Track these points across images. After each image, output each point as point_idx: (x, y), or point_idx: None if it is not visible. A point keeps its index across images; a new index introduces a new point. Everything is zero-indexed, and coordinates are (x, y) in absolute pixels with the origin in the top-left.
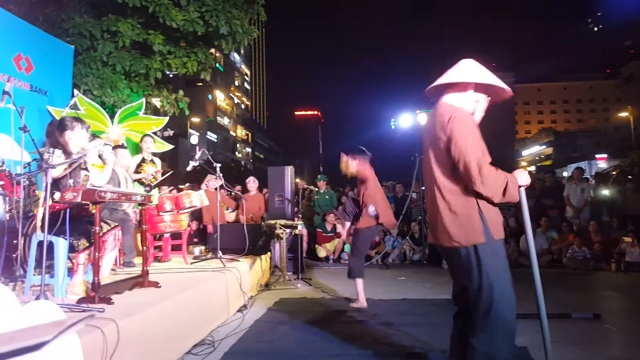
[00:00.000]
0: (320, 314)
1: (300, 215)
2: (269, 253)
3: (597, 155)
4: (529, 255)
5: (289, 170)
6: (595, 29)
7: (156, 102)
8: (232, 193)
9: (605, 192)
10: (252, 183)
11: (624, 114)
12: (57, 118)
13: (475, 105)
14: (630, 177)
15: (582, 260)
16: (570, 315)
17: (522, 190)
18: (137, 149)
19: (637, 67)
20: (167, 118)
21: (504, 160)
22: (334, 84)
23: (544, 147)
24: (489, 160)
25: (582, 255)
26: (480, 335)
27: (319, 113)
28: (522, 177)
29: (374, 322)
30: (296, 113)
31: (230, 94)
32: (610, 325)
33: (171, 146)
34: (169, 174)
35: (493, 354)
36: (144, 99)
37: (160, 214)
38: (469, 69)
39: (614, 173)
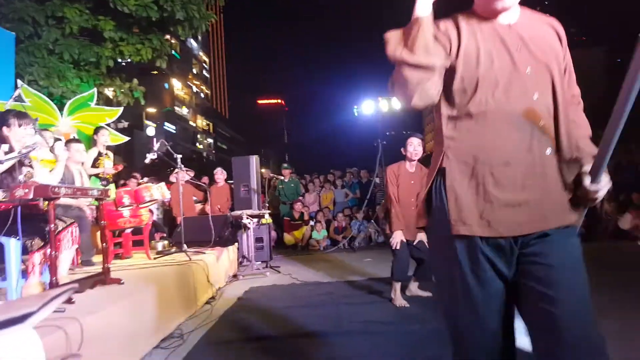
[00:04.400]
0: (291, 299)
1: (267, 205)
2: (236, 244)
3: None
4: None
5: (254, 159)
6: None
7: (109, 92)
8: (199, 186)
9: None
10: (219, 174)
11: None
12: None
13: None
14: None
15: None
16: None
17: None
18: (89, 142)
19: (579, 53)
20: (121, 109)
21: None
22: (297, 71)
23: None
24: None
25: None
26: None
27: (283, 101)
28: None
29: (344, 302)
30: (259, 102)
31: (189, 83)
32: None
33: (127, 138)
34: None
35: None
36: (95, 89)
37: (119, 209)
38: None
39: None
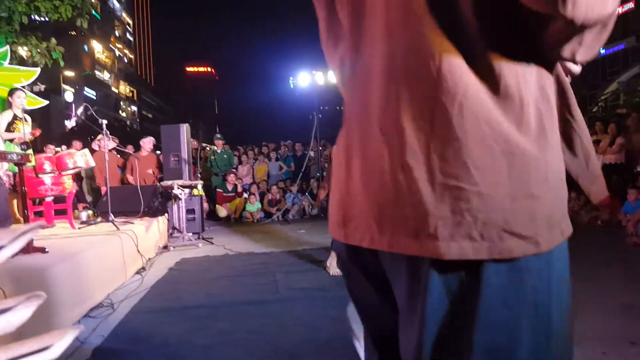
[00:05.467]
0: (225, 269)
1: (199, 176)
2: (166, 215)
3: None
4: None
5: (185, 128)
6: None
7: (23, 51)
8: (125, 153)
9: None
10: (148, 143)
11: None
12: None
13: None
14: None
15: None
16: None
17: None
18: (3, 104)
19: None
20: (39, 69)
21: None
22: (230, 39)
23: None
24: None
25: None
26: None
27: (213, 70)
28: None
29: (279, 270)
30: (188, 69)
31: (111, 46)
32: None
33: (45, 102)
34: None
35: None
36: (8, 47)
37: (40, 175)
38: None
39: None
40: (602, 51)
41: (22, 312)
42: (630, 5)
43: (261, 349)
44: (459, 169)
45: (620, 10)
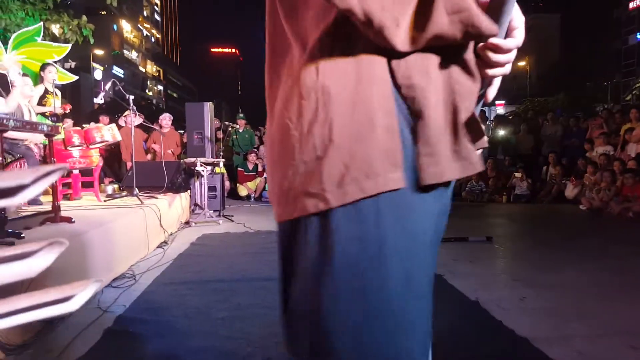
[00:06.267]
0: (245, 245)
1: (221, 154)
2: (188, 191)
3: (496, 102)
4: None
5: (209, 106)
6: None
7: (55, 29)
8: (151, 129)
9: (502, 133)
10: (167, 120)
11: (522, 64)
12: None
13: None
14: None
15: (479, 193)
16: (467, 239)
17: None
18: (36, 78)
19: (537, 19)
20: (70, 45)
21: None
22: (254, 20)
23: None
24: None
25: (478, 189)
26: None
27: (237, 51)
28: None
29: None
30: (212, 50)
31: (139, 25)
32: (499, 246)
33: (75, 77)
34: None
35: None
36: (41, 23)
37: (69, 148)
38: None
39: (510, 117)
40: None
41: (43, 258)
42: None
43: (277, 324)
44: (269, 149)
45: None
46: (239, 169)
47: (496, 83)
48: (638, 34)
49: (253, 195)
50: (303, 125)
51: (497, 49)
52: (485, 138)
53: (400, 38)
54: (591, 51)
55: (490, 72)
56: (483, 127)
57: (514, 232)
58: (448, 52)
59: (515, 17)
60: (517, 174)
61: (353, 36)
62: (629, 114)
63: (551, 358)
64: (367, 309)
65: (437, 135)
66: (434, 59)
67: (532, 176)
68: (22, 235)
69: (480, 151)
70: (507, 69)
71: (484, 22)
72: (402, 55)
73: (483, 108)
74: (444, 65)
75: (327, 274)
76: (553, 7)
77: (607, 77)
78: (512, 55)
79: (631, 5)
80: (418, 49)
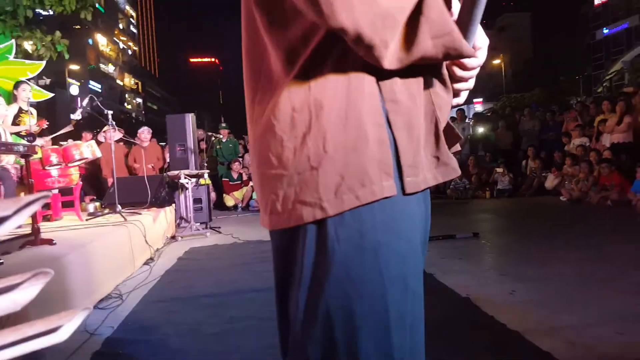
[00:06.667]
0: (234, 257)
1: (206, 165)
2: (173, 205)
3: (474, 100)
4: None
5: (190, 117)
6: None
7: (28, 46)
8: (131, 143)
9: (481, 130)
10: (146, 133)
11: (497, 62)
12: None
13: None
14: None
15: (463, 190)
16: (455, 236)
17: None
18: (9, 97)
19: (509, 19)
20: (44, 62)
21: None
22: (234, 28)
23: None
24: None
25: (462, 186)
26: None
27: (217, 60)
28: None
29: None
30: (191, 60)
31: (115, 39)
32: (486, 241)
33: (50, 94)
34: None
35: None
36: (13, 41)
37: (46, 168)
38: None
39: (488, 114)
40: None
41: (28, 291)
42: None
43: (273, 335)
44: (256, 159)
45: None
46: (223, 179)
47: (463, 95)
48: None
49: (240, 204)
50: (297, 137)
51: (463, 66)
52: (460, 142)
53: (387, 58)
54: (562, 47)
55: (456, 86)
56: (458, 132)
57: (499, 227)
58: (429, 68)
59: (479, 38)
60: (498, 170)
61: (343, 53)
62: (601, 106)
63: (543, 349)
64: (367, 313)
65: (418, 146)
66: (417, 75)
67: (513, 171)
68: (1, 261)
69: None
70: (470, 84)
71: (465, 45)
72: (388, 72)
73: (462, 107)
74: (425, 80)
75: (326, 282)
76: (523, 6)
77: (579, 71)
78: (474, 72)
79: (596, 1)
80: (402, 71)
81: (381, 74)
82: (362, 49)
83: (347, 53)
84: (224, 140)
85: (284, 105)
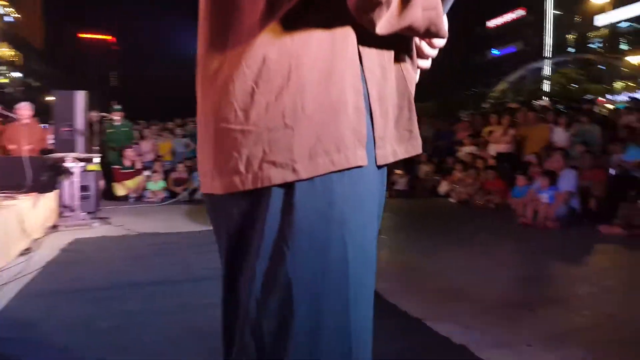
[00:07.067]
0: (127, 250)
1: (98, 149)
2: (56, 191)
3: None
4: None
5: (81, 95)
6: None
7: None
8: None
9: None
10: (25, 110)
11: None
12: None
13: None
14: None
15: None
16: None
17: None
18: None
19: None
20: None
21: None
22: (133, 4)
23: None
24: None
25: None
26: None
27: (113, 37)
28: None
29: (190, 251)
30: (83, 35)
31: None
32: (387, 237)
33: None
34: None
35: None
36: None
37: None
38: None
39: None
40: (497, 52)
41: None
42: (522, 12)
43: (175, 330)
44: (226, 112)
45: (514, 16)
46: (113, 166)
47: (417, 73)
48: (493, 49)
49: (133, 195)
50: (271, 90)
51: (431, 44)
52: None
53: (382, 22)
54: (458, 63)
55: (420, 62)
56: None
57: (399, 225)
58: (401, 42)
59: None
60: (397, 171)
61: (329, 11)
62: (489, 119)
63: (442, 334)
64: (328, 286)
65: (387, 120)
66: (390, 48)
67: (410, 173)
68: None
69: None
70: (429, 63)
71: (442, 24)
72: (368, 40)
73: None
74: (397, 54)
75: (289, 250)
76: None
77: (470, 86)
78: (436, 52)
79: (489, 24)
80: (379, 42)
81: (363, 41)
82: (366, 4)
83: (334, 12)
84: (117, 123)
85: (256, 54)
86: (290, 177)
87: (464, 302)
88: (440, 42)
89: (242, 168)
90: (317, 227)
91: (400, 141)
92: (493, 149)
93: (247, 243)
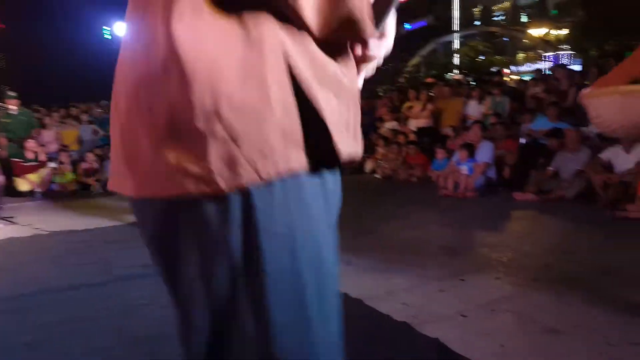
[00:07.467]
0: (38, 252)
1: None
2: None
3: None
4: None
5: None
6: None
7: None
8: None
9: None
10: None
11: None
12: None
13: None
14: None
15: None
16: None
17: None
18: None
19: None
20: None
21: None
22: None
23: None
24: None
25: None
26: None
27: None
28: None
29: (110, 248)
30: None
31: None
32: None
33: None
34: None
35: None
36: None
37: None
38: None
39: None
40: (408, 27)
41: None
42: None
43: (104, 338)
44: (141, 105)
45: None
46: (13, 159)
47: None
48: (405, 24)
49: (38, 189)
50: (186, 86)
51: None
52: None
53: (309, 12)
54: None
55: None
56: None
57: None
58: (337, 43)
59: (389, 27)
60: None
61: None
62: (407, 94)
63: (382, 312)
64: (282, 311)
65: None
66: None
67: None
68: None
69: None
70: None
71: (368, 21)
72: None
73: None
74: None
75: (222, 273)
76: None
77: (386, 62)
78: (373, 63)
79: None
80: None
81: (283, 30)
82: None
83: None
84: (14, 113)
85: (155, 38)
86: (207, 189)
87: (401, 278)
88: (377, 48)
89: (149, 169)
90: (260, 244)
91: (352, 140)
92: (413, 124)
93: (178, 258)
